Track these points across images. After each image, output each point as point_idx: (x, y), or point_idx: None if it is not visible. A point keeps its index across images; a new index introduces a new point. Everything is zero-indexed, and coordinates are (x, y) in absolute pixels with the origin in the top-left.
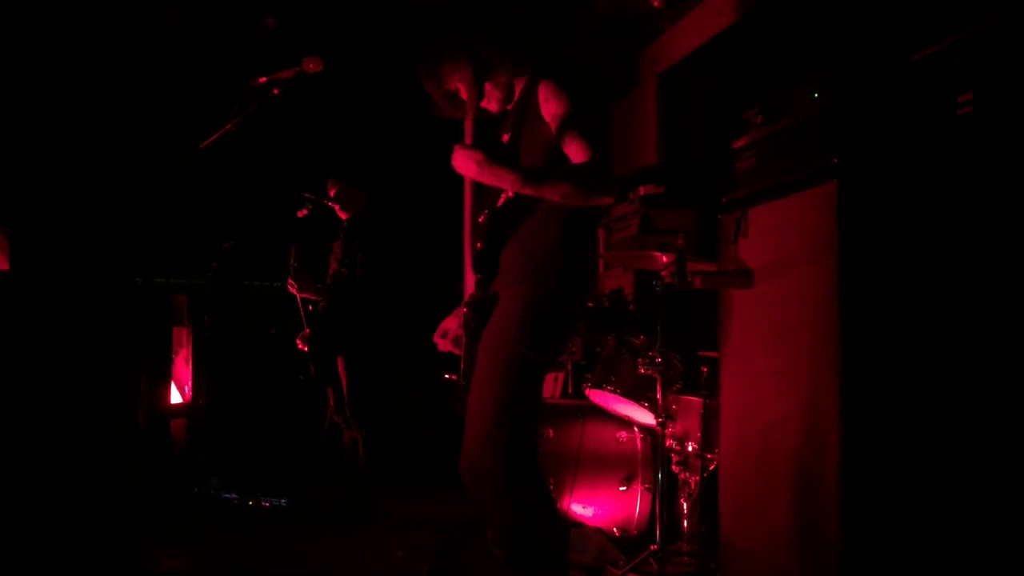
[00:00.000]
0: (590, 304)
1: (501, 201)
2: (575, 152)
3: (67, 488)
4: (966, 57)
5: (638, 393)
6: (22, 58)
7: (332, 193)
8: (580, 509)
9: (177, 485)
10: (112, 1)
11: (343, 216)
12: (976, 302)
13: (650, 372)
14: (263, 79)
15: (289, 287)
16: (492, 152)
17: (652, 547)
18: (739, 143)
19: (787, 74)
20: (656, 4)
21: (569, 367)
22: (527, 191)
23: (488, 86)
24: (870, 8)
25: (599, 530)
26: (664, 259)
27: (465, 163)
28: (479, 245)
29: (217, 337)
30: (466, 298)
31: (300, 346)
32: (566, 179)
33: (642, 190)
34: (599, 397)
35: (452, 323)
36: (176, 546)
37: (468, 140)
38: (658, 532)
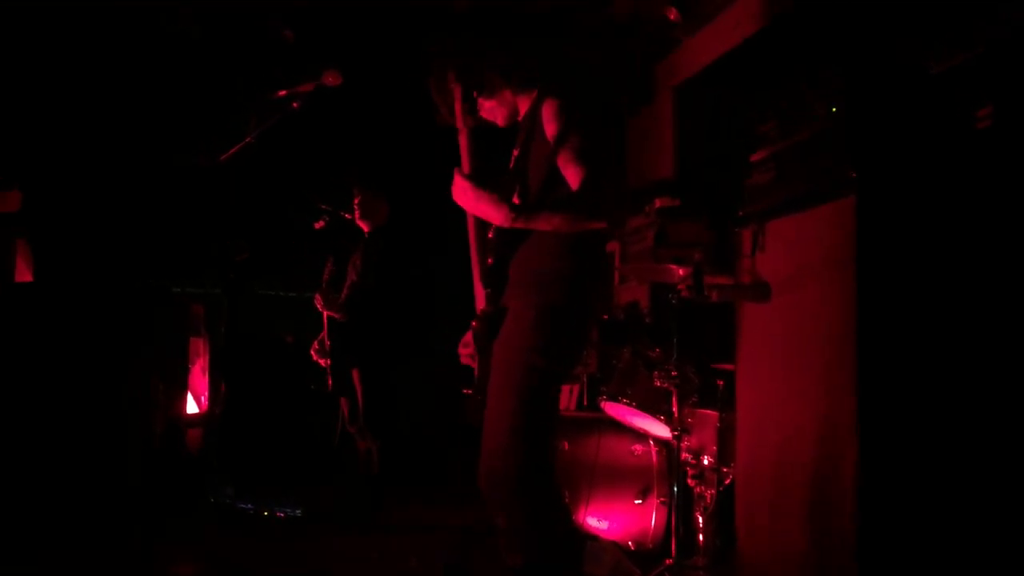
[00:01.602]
0: (605, 316)
1: (515, 202)
2: (571, 176)
3: (84, 494)
4: (985, 70)
5: (654, 406)
6: (46, 72)
7: (356, 201)
8: (595, 522)
9: (192, 493)
10: (134, 17)
11: (364, 227)
12: (995, 317)
13: (666, 385)
14: (283, 92)
15: (316, 302)
16: (484, 185)
17: (668, 561)
18: (756, 156)
19: (804, 88)
20: (673, 17)
21: (585, 379)
22: (518, 226)
23: (492, 103)
24: (888, 22)
25: (614, 543)
26: (680, 272)
27: (461, 191)
28: (490, 260)
29: (232, 346)
30: (477, 312)
31: (316, 358)
32: (556, 211)
33: (658, 202)
34: (615, 410)
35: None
36: (189, 553)
37: (465, 165)
38: (674, 546)
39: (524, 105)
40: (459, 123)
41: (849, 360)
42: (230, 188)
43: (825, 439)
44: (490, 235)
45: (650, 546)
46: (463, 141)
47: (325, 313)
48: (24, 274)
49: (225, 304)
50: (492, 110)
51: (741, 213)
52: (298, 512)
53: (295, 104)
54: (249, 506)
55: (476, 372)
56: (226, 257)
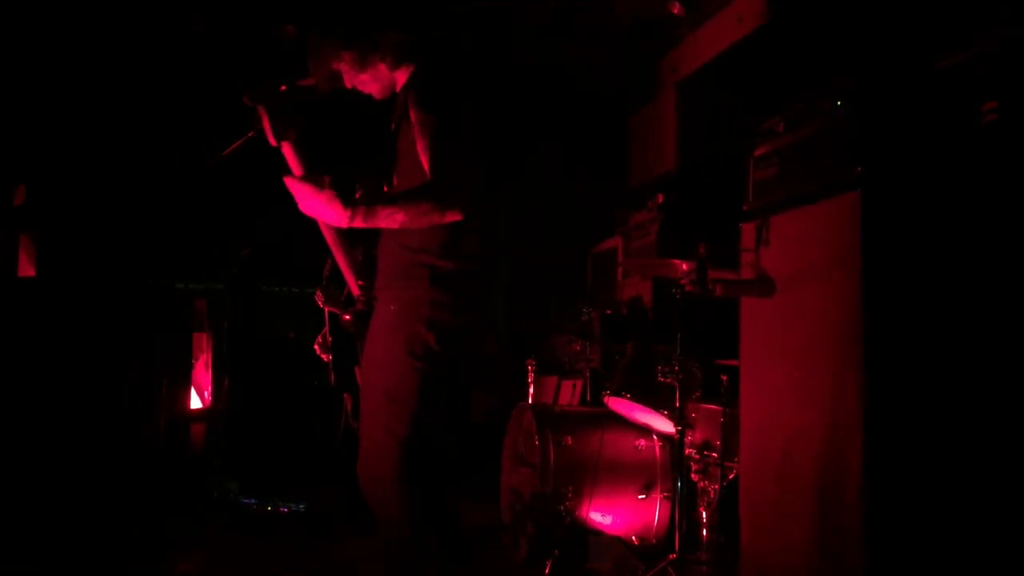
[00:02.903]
0: (608, 312)
1: (385, 191)
2: (424, 160)
3: (87, 490)
4: (990, 66)
5: (657, 401)
6: (47, 69)
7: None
8: (599, 517)
9: (195, 489)
10: (136, 12)
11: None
12: (1002, 313)
13: (669, 380)
14: (283, 87)
15: (316, 298)
16: (314, 184)
17: (671, 556)
18: (760, 152)
19: (808, 83)
20: (676, 11)
21: (588, 375)
22: (358, 225)
23: (366, 76)
24: (892, 17)
25: (618, 538)
26: (684, 267)
27: (301, 196)
28: (360, 257)
29: (236, 341)
30: (353, 306)
31: (319, 353)
32: (399, 205)
33: (660, 198)
34: (618, 405)
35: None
36: (193, 548)
37: (294, 168)
38: (677, 541)
39: (401, 79)
40: (271, 140)
41: (855, 356)
42: (232, 184)
43: (830, 435)
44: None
45: (653, 541)
46: (287, 152)
47: (326, 309)
48: (27, 269)
49: (228, 300)
50: (365, 83)
51: (745, 208)
52: (301, 507)
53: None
54: (252, 501)
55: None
56: (229, 254)
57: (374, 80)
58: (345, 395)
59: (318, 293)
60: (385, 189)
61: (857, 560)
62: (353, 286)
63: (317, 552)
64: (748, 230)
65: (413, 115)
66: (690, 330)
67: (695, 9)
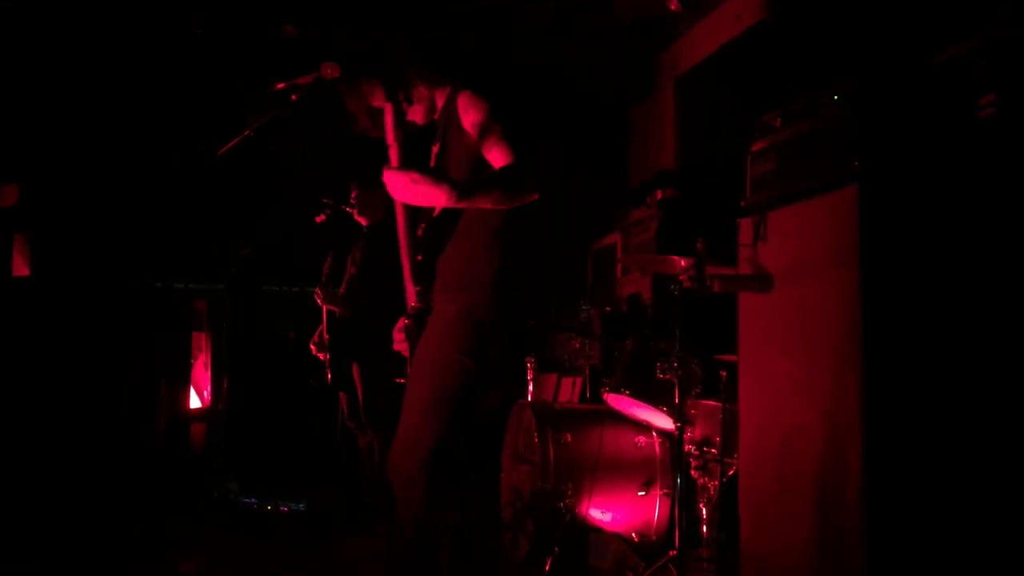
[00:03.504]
0: (607, 309)
1: (437, 211)
2: (496, 157)
3: (86, 490)
4: (988, 59)
5: (657, 398)
6: (43, 66)
7: (353, 196)
8: (599, 514)
9: (195, 488)
10: (133, 11)
11: (363, 222)
12: (1001, 306)
13: (668, 377)
14: (281, 84)
15: (316, 296)
16: (422, 170)
17: (671, 553)
18: (758, 146)
19: (807, 77)
20: (673, 7)
21: (587, 372)
22: (461, 205)
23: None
24: (890, 12)
25: (618, 535)
26: (683, 263)
27: (397, 185)
28: (419, 257)
29: (235, 341)
30: (408, 309)
31: (315, 352)
32: (493, 186)
33: (660, 193)
34: (618, 402)
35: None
36: (193, 548)
37: (395, 161)
38: (677, 538)
39: (440, 101)
40: (390, 139)
41: (854, 352)
42: (231, 183)
43: (830, 431)
44: (419, 232)
45: (653, 538)
46: (393, 154)
47: (325, 307)
48: (21, 268)
49: (228, 300)
50: (411, 110)
51: (743, 203)
52: (301, 507)
53: (293, 97)
54: (252, 501)
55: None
56: (229, 253)
57: (417, 102)
58: (341, 394)
59: (317, 291)
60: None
61: (857, 557)
62: (411, 288)
63: (317, 552)
64: (746, 225)
65: (471, 118)
66: (690, 326)
67: (694, 5)
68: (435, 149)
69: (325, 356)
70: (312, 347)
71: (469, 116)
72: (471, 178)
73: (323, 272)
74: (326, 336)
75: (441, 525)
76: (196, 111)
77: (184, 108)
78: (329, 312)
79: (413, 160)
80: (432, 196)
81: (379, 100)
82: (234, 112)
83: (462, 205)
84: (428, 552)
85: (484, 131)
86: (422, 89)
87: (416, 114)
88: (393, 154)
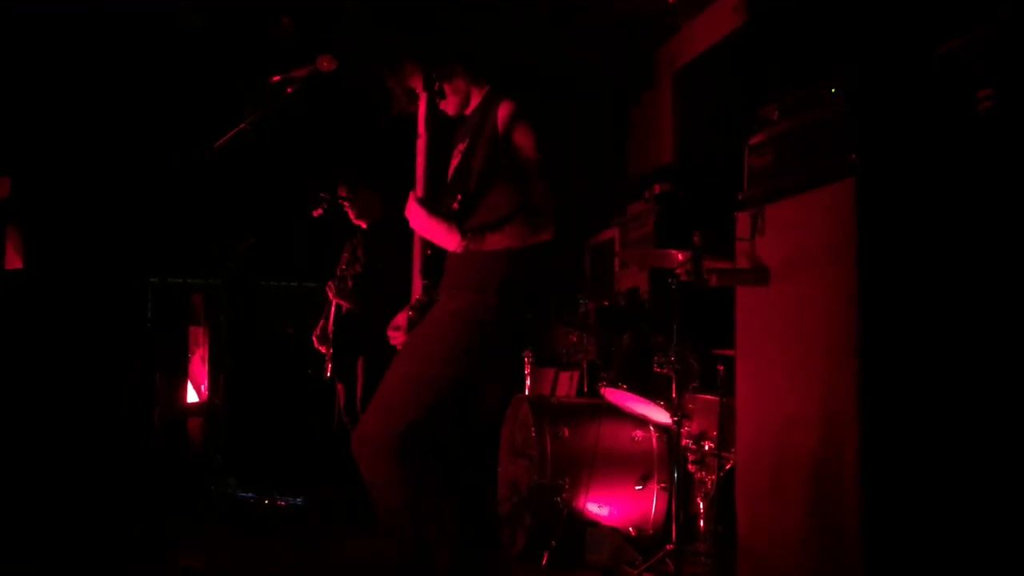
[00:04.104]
0: (605, 303)
1: (455, 207)
2: (518, 186)
3: (81, 485)
4: (986, 52)
5: (654, 392)
6: (37, 59)
7: (346, 206)
8: (596, 508)
9: (192, 483)
10: (131, 3)
11: (362, 224)
12: (996, 299)
13: (666, 371)
14: (276, 78)
15: (327, 289)
16: (441, 215)
17: (668, 547)
18: (756, 140)
19: (804, 70)
20: (671, 1)
21: (585, 366)
22: (470, 249)
23: (448, 88)
24: (888, 5)
25: (615, 529)
26: (680, 257)
27: (415, 215)
28: (428, 251)
29: (234, 336)
30: (412, 301)
31: (316, 344)
32: (504, 232)
33: (657, 188)
34: (615, 396)
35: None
36: (191, 544)
37: (419, 187)
38: (674, 531)
39: (476, 98)
40: (421, 129)
41: (850, 345)
42: (228, 178)
43: (826, 425)
44: None
45: (651, 532)
46: (421, 147)
47: (335, 301)
48: (14, 261)
49: (225, 295)
50: (445, 101)
51: (740, 197)
52: (299, 501)
53: (289, 89)
54: (250, 496)
55: None
56: (230, 245)
57: (454, 94)
58: (338, 387)
59: (329, 285)
60: (459, 198)
61: (854, 550)
62: (418, 281)
63: (314, 547)
64: (743, 219)
65: (513, 142)
66: (687, 320)
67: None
68: (461, 147)
69: (327, 349)
70: (314, 339)
71: (511, 132)
72: (482, 226)
73: (340, 265)
74: (330, 329)
75: (429, 513)
76: (193, 104)
77: (181, 101)
78: (337, 306)
79: (435, 152)
80: (443, 240)
81: (417, 86)
82: (231, 105)
83: (472, 250)
84: (419, 543)
85: (524, 163)
86: (460, 82)
87: (449, 105)
88: (421, 144)
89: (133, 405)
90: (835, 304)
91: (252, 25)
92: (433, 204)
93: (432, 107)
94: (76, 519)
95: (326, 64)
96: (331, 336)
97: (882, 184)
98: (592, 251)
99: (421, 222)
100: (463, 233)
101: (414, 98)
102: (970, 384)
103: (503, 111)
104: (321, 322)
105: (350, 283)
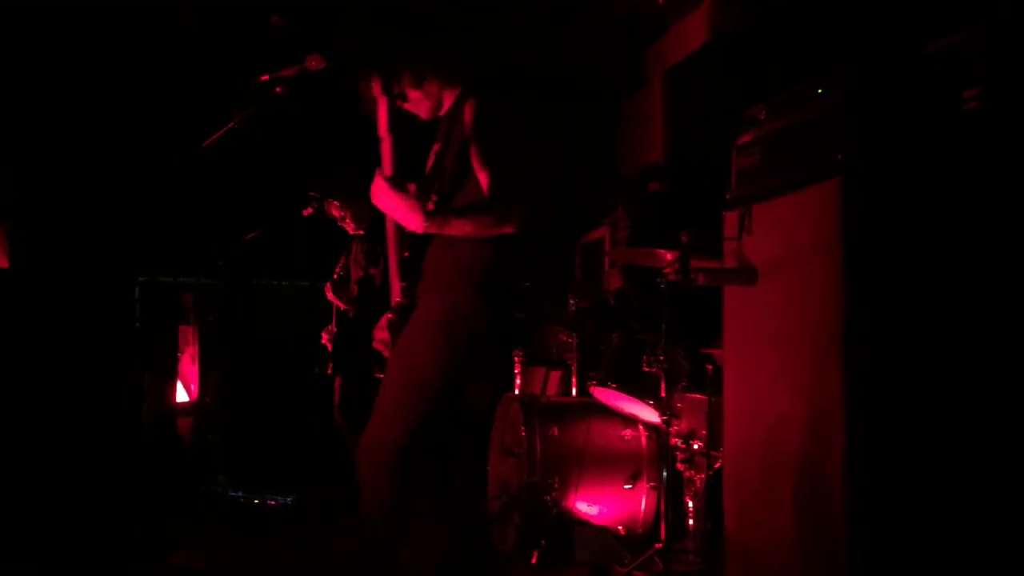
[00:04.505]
0: (595, 301)
1: (431, 208)
2: (483, 180)
3: (70, 486)
4: (973, 52)
5: (643, 391)
6: (26, 56)
7: (336, 216)
8: (585, 507)
9: (182, 483)
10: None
11: (360, 232)
12: (983, 299)
13: (655, 370)
14: (265, 77)
15: (327, 291)
16: (406, 192)
17: (657, 545)
18: (744, 140)
19: (792, 70)
20: (661, 1)
21: (574, 365)
22: (432, 231)
23: (419, 94)
24: (876, 5)
25: (604, 528)
26: (668, 256)
27: (380, 193)
28: (406, 254)
29: (224, 335)
30: (392, 304)
31: (324, 340)
32: (468, 218)
33: (651, 186)
34: (604, 395)
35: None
36: (182, 544)
37: (386, 157)
38: (663, 530)
39: (448, 100)
40: (382, 132)
41: (837, 343)
42: (219, 176)
43: (814, 422)
44: (407, 231)
45: (640, 531)
46: (385, 148)
47: (335, 303)
48: (0, 260)
49: (216, 294)
50: (417, 102)
51: (728, 196)
52: (289, 501)
53: (278, 89)
54: (240, 495)
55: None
56: (222, 247)
57: (426, 98)
58: (336, 383)
59: (328, 286)
60: (434, 199)
61: (841, 544)
62: (396, 284)
63: (306, 546)
64: (731, 218)
65: (471, 131)
66: (676, 319)
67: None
68: (435, 147)
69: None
70: (324, 336)
71: (469, 128)
72: (448, 209)
73: (337, 268)
74: (334, 328)
75: (408, 519)
76: (183, 103)
77: (172, 100)
78: (336, 306)
79: (402, 159)
80: (406, 219)
81: (375, 92)
82: (221, 104)
83: (433, 231)
84: (391, 546)
85: (479, 152)
86: (432, 85)
87: (422, 108)
88: (384, 148)
89: (122, 405)
90: (822, 301)
91: (244, 23)
92: (399, 183)
93: (392, 111)
94: (61, 516)
95: (315, 63)
96: (335, 334)
97: (868, 184)
98: (583, 250)
99: (386, 199)
100: (427, 214)
101: (374, 102)
102: (957, 381)
103: (469, 108)
104: (330, 326)
105: (354, 288)
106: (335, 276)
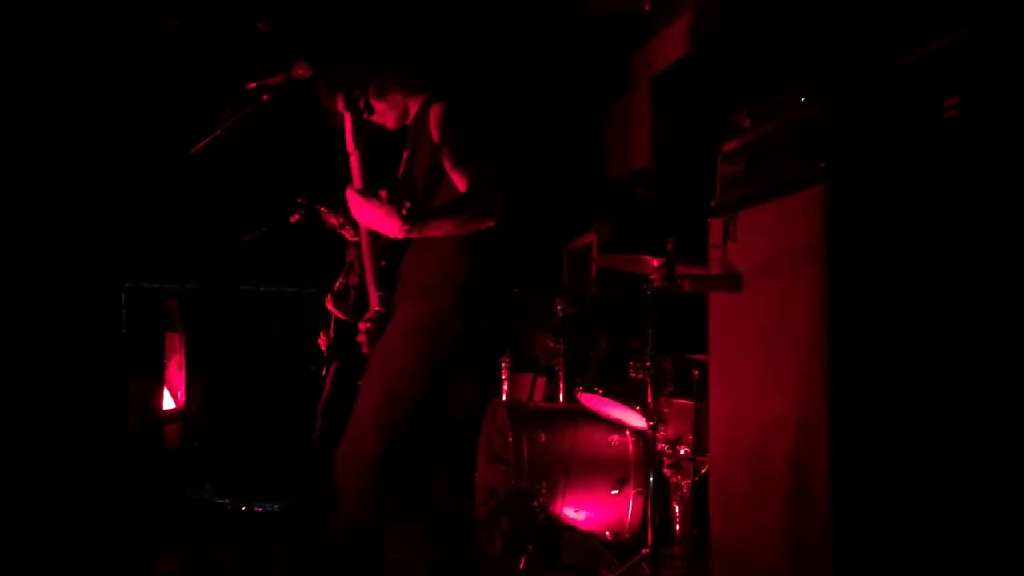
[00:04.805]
0: (582, 307)
1: (404, 214)
2: (458, 180)
3: (56, 492)
4: (952, 61)
5: (630, 397)
6: (14, 60)
7: (334, 223)
8: (572, 513)
9: (169, 489)
10: (107, 4)
11: (357, 237)
12: (962, 303)
13: (641, 376)
14: (252, 84)
15: (327, 302)
16: (380, 199)
17: (644, 550)
18: (728, 147)
19: (777, 78)
20: (647, 8)
21: (561, 371)
22: (413, 235)
23: (383, 105)
24: (858, 14)
25: (591, 534)
26: (654, 263)
27: (356, 206)
28: (383, 263)
29: (210, 341)
30: (369, 313)
31: (320, 342)
32: (447, 216)
33: (637, 191)
34: (591, 401)
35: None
36: (168, 550)
37: (355, 170)
38: (650, 535)
39: (414, 108)
40: (349, 148)
41: (821, 347)
42: (205, 183)
43: (799, 425)
44: (383, 239)
45: (627, 536)
46: (354, 161)
47: (334, 312)
48: None
49: (202, 300)
50: (383, 112)
51: (713, 203)
52: (276, 507)
53: (265, 97)
54: (226, 502)
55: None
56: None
57: (391, 108)
58: (327, 382)
59: (328, 297)
60: (407, 206)
61: (827, 547)
62: (373, 293)
63: (294, 550)
64: (716, 225)
65: (440, 134)
66: (662, 325)
67: (668, 6)
68: (405, 155)
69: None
70: (321, 336)
71: (439, 131)
72: (425, 209)
73: (337, 283)
74: (332, 334)
75: (388, 526)
76: (169, 111)
77: (157, 108)
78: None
79: (373, 169)
80: (385, 226)
81: (340, 106)
82: (208, 112)
83: (414, 236)
84: (372, 552)
85: (450, 152)
86: (396, 95)
87: (388, 118)
88: (353, 162)
89: (108, 410)
90: (806, 307)
91: (231, 29)
92: (371, 193)
93: (357, 125)
94: (47, 520)
95: (301, 71)
96: (332, 340)
97: (851, 190)
98: (570, 256)
99: (362, 211)
100: (403, 218)
101: (339, 116)
102: (941, 383)
103: (433, 113)
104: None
105: (352, 295)
106: (336, 288)
